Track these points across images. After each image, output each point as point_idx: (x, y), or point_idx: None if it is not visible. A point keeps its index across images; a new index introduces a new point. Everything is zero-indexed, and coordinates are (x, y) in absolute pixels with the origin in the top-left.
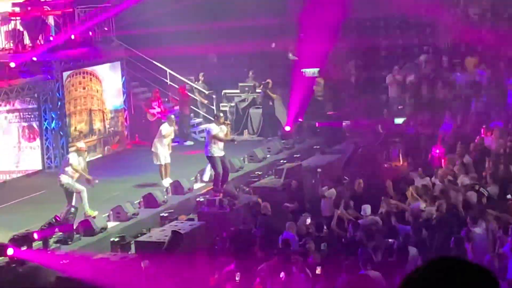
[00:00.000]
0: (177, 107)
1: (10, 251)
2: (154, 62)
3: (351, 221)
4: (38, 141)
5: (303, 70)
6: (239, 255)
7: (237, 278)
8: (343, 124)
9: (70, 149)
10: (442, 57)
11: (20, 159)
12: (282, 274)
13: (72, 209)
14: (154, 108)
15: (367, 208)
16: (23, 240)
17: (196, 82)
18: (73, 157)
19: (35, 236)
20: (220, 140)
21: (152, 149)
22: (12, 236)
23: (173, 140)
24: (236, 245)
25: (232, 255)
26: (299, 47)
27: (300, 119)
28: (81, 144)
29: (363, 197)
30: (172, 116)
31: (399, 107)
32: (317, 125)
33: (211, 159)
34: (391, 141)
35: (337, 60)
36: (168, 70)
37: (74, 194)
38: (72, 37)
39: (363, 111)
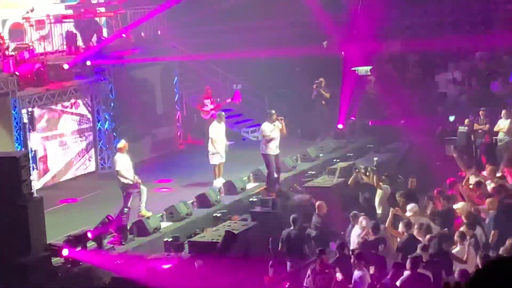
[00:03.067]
0: (229, 100)
1: (65, 252)
2: (205, 62)
3: (406, 221)
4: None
5: (355, 68)
6: (293, 256)
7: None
8: (397, 122)
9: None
10: (497, 54)
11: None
12: (339, 276)
13: (125, 210)
14: (207, 106)
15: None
16: (77, 240)
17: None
18: (117, 158)
19: (89, 235)
20: (271, 138)
21: (208, 149)
22: (67, 236)
23: (228, 139)
24: (290, 245)
25: (287, 255)
26: (351, 45)
27: (352, 118)
28: (121, 144)
29: (416, 196)
30: (222, 113)
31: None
32: (370, 124)
33: (265, 157)
34: (445, 139)
35: (390, 58)
36: (220, 70)
37: (132, 194)
38: (124, 35)
39: (417, 109)
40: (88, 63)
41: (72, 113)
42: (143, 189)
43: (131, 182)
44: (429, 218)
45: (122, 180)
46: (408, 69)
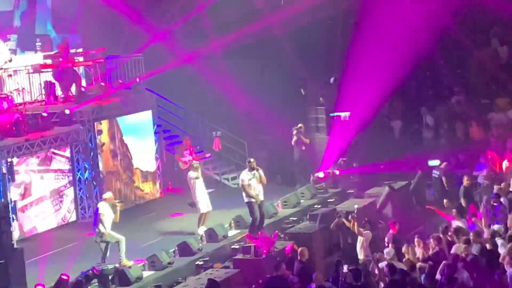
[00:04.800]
0: (209, 155)
1: None
2: (185, 109)
3: (388, 265)
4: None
5: (332, 114)
6: None
7: None
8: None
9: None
10: (474, 97)
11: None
12: None
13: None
14: (186, 156)
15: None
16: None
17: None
18: (101, 206)
19: (64, 277)
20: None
21: (194, 199)
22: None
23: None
24: None
25: None
26: (330, 91)
27: (336, 170)
28: (107, 195)
29: (400, 241)
30: (195, 163)
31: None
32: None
33: (248, 204)
34: (425, 183)
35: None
36: (201, 117)
37: (109, 244)
38: (103, 84)
39: (396, 153)
40: (67, 111)
41: (48, 171)
42: (121, 239)
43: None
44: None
45: (102, 226)
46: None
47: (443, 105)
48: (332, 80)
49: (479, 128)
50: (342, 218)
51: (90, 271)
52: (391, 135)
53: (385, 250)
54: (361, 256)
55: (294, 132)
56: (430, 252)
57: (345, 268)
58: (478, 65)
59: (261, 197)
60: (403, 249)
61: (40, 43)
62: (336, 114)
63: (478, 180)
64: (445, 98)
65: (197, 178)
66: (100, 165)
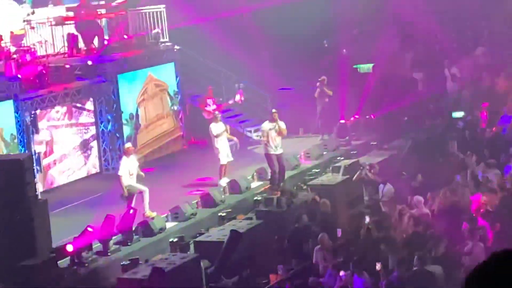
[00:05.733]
0: (231, 101)
1: (69, 248)
2: (207, 62)
3: (412, 216)
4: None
5: (357, 66)
6: (296, 253)
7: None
8: (400, 119)
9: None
10: (499, 48)
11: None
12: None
13: (131, 211)
14: (209, 105)
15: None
16: (81, 239)
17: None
18: (122, 164)
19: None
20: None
21: (214, 150)
22: (72, 238)
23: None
24: (294, 243)
25: (291, 253)
26: (352, 44)
27: (356, 116)
28: (127, 145)
29: (422, 193)
30: (217, 114)
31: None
32: (373, 117)
33: (267, 156)
34: (449, 135)
35: (392, 55)
36: (223, 70)
37: (135, 195)
38: (125, 37)
39: (420, 105)
40: (90, 62)
41: (72, 125)
42: (145, 190)
43: (140, 186)
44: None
45: (124, 184)
46: (411, 66)
47: (467, 56)
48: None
49: (505, 80)
50: (365, 170)
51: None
52: (415, 87)
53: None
54: (384, 208)
55: (317, 84)
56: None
57: (367, 220)
58: (504, 16)
59: (280, 150)
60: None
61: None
62: (359, 66)
63: (503, 132)
64: (469, 49)
65: (216, 136)
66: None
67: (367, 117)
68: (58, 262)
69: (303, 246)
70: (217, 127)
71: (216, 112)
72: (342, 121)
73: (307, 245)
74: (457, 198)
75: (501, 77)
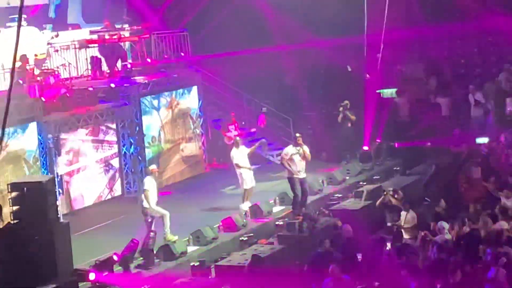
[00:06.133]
0: (253, 129)
1: (92, 276)
2: (230, 86)
3: (435, 243)
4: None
5: (380, 91)
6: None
7: None
8: (424, 144)
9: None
10: None
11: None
12: None
13: (152, 234)
14: (231, 131)
15: (445, 225)
16: (104, 264)
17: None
18: (147, 181)
19: (115, 258)
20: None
21: (238, 175)
22: (94, 261)
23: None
24: (315, 268)
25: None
26: (375, 67)
27: (378, 140)
28: (152, 167)
29: (445, 219)
30: (238, 139)
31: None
32: (396, 146)
33: (289, 180)
34: (473, 161)
35: (415, 80)
36: (245, 94)
37: (155, 218)
38: (149, 60)
39: (442, 131)
40: (112, 85)
41: (95, 141)
42: (166, 213)
43: (161, 210)
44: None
45: (147, 202)
46: (431, 92)
47: (491, 82)
48: (349, 68)
49: None
50: (388, 195)
51: (131, 243)
52: (439, 112)
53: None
54: (406, 235)
55: (340, 109)
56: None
57: (389, 246)
58: None
59: (303, 174)
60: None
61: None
62: (383, 91)
63: None
64: (493, 75)
65: (237, 166)
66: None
67: (391, 143)
68: (79, 284)
69: (324, 271)
70: (238, 152)
71: (237, 138)
72: (366, 147)
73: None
74: (479, 225)
75: None
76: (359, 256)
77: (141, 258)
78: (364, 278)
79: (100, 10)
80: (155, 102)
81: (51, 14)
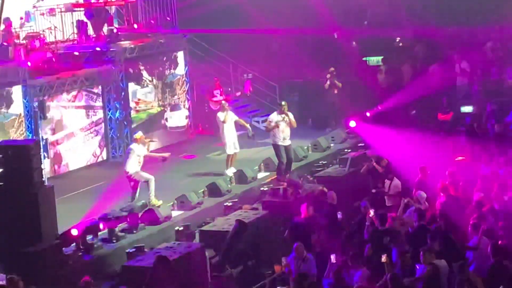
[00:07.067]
0: (238, 93)
1: (74, 232)
2: (217, 51)
3: (417, 210)
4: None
5: (366, 58)
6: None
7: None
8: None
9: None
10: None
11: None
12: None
13: (136, 199)
14: (216, 96)
15: (423, 195)
16: (89, 230)
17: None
18: (135, 147)
19: (101, 226)
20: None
21: (222, 140)
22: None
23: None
24: (298, 234)
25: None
26: (362, 36)
27: (367, 113)
28: (137, 135)
29: (425, 187)
30: (224, 103)
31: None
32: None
33: (274, 146)
34: (457, 130)
35: (401, 48)
36: (231, 60)
37: (139, 183)
38: (135, 26)
39: (428, 99)
40: (98, 49)
41: (79, 107)
42: (151, 178)
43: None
44: None
45: (136, 168)
46: (417, 60)
47: (477, 51)
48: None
49: None
50: (373, 162)
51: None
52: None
53: (418, 194)
54: (389, 202)
55: (328, 76)
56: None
57: (372, 213)
58: None
59: (288, 141)
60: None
61: None
62: (369, 58)
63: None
64: (480, 44)
65: (223, 122)
66: None
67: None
68: (64, 248)
69: (308, 238)
70: (224, 116)
71: (223, 102)
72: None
73: (314, 236)
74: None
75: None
76: (339, 214)
77: (125, 222)
78: (347, 246)
79: None
80: (142, 67)
81: None
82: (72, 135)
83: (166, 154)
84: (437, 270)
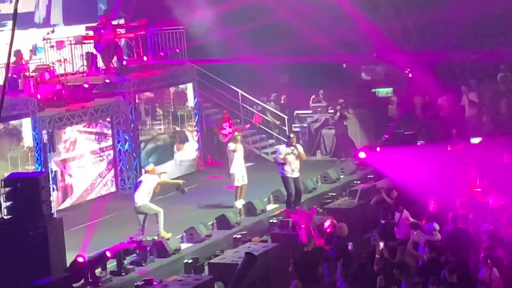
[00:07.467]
0: (248, 126)
1: (80, 259)
2: (225, 83)
3: (428, 242)
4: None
5: (375, 90)
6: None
7: None
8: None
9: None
10: None
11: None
12: None
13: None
14: (225, 129)
15: (435, 227)
16: (97, 260)
17: (268, 103)
18: (147, 178)
19: (108, 254)
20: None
21: (230, 171)
22: (88, 258)
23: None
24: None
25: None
26: (371, 66)
27: (377, 148)
28: (149, 167)
29: (436, 219)
30: (237, 135)
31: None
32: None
33: (283, 179)
34: (467, 162)
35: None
36: (240, 91)
37: (147, 216)
38: (145, 59)
39: (437, 130)
40: (108, 81)
41: (90, 133)
42: (160, 211)
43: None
44: None
45: (145, 200)
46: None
47: (487, 82)
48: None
49: None
50: (382, 194)
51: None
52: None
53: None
54: (398, 234)
55: (337, 107)
56: None
57: (382, 245)
58: None
59: (297, 174)
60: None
61: None
62: (378, 89)
63: None
64: (490, 75)
65: (234, 151)
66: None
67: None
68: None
69: (316, 269)
70: (235, 147)
71: (236, 133)
72: (363, 154)
73: (321, 268)
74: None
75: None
76: (350, 245)
77: (135, 254)
78: (358, 277)
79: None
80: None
81: (37, 20)
82: (83, 155)
83: (180, 181)
84: None
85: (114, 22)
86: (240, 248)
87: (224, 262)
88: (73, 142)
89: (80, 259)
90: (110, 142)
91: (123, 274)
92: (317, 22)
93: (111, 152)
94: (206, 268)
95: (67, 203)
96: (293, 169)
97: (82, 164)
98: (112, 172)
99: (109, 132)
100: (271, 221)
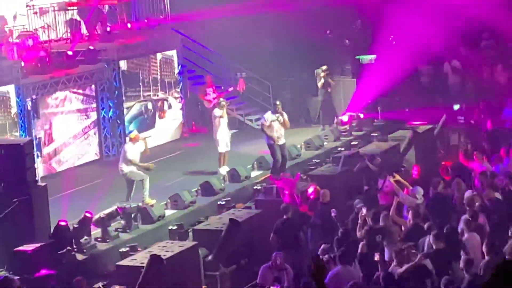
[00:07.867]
0: (231, 89)
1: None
2: (210, 50)
3: (411, 208)
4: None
5: (359, 57)
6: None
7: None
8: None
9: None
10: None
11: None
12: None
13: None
14: (209, 94)
15: (419, 191)
16: (80, 224)
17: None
18: (128, 147)
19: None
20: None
21: (214, 136)
22: (71, 224)
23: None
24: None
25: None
26: (355, 34)
27: (360, 114)
28: (132, 134)
29: (420, 185)
30: (223, 101)
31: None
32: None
33: (269, 146)
34: (450, 128)
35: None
36: (225, 58)
37: (135, 182)
38: (129, 25)
39: (421, 98)
40: (91, 47)
41: (71, 112)
42: (146, 177)
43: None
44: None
45: (130, 167)
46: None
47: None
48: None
49: (505, 72)
50: (366, 161)
51: (115, 210)
52: (419, 81)
53: (415, 190)
54: (382, 201)
55: (322, 74)
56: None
57: (364, 211)
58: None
59: (282, 140)
60: None
61: None
62: (362, 57)
63: (506, 125)
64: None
65: (221, 117)
66: None
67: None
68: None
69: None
70: (220, 113)
71: (221, 99)
72: (345, 117)
73: (302, 234)
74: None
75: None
76: (333, 212)
77: (120, 221)
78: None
79: None
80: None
81: None
82: (65, 144)
83: (151, 166)
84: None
85: None
86: (224, 214)
87: (208, 229)
88: (49, 129)
89: (63, 223)
90: (94, 104)
91: (107, 240)
92: None
93: (95, 113)
94: (190, 234)
95: (52, 169)
96: (278, 136)
97: (66, 154)
98: (97, 138)
99: (91, 105)
100: (255, 187)
